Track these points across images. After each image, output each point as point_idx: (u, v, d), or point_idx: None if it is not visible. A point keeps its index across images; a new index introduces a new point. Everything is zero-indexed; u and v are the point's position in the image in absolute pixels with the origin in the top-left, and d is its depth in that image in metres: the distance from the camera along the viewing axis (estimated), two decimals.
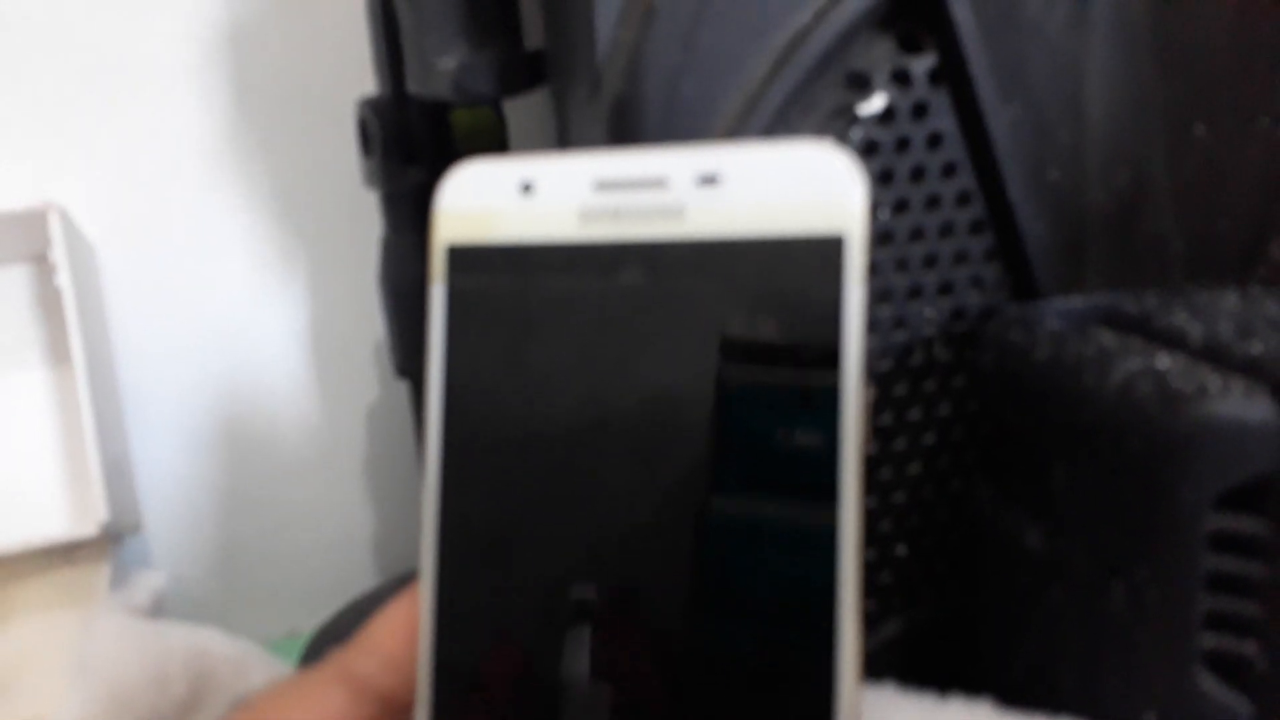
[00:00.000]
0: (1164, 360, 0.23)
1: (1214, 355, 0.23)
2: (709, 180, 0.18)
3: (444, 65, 0.35)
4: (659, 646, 0.18)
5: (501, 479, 0.19)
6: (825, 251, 0.17)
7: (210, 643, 0.34)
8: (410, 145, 0.41)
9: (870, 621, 0.33)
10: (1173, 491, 0.22)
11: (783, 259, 0.17)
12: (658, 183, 0.18)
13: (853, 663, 0.16)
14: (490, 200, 0.19)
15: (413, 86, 0.38)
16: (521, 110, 0.41)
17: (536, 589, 0.18)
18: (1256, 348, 0.22)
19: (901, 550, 0.33)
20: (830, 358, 0.17)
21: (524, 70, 0.35)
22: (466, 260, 0.19)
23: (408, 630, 0.19)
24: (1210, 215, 0.30)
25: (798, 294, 0.17)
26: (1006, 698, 0.26)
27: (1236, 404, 0.21)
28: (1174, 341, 0.24)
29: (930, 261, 0.31)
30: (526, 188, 0.19)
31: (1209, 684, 0.22)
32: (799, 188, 0.17)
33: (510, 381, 0.19)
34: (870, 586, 0.33)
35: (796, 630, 0.17)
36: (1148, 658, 0.23)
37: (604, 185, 0.18)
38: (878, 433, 0.32)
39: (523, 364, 0.19)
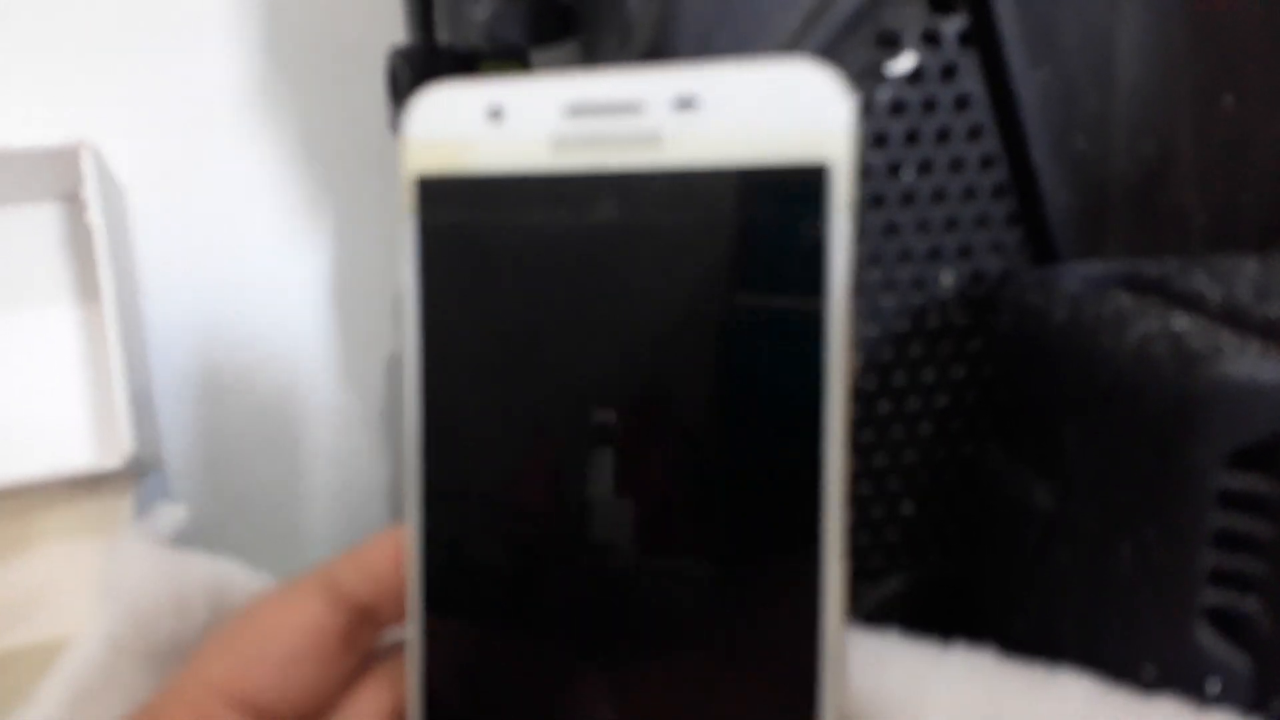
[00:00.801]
0: (1181, 321, 0.23)
1: (1232, 317, 0.23)
2: (686, 104, 0.17)
3: (476, 14, 0.35)
4: (622, 578, 0.17)
5: (478, 421, 0.18)
6: (808, 180, 0.16)
7: (230, 573, 0.35)
8: None
9: (875, 576, 0.34)
10: (1185, 450, 0.22)
11: (764, 189, 0.16)
12: (632, 107, 0.17)
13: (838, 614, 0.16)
14: (459, 127, 0.18)
15: (444, 35, 0.38)
16: (549, 63, 0.41)
17: (511, 537, 0.18)
18: (1274, 310, 0.22)
19: (909, 508, 0.33)
20: (813, 293, 0.16)
21: (555, 20, 0.35)
22: (437, 192, 0.18)
23: (395, 550, 0.20)
24: (1234, 188, 0.30)
25: (779, 226, 0.16)
26: (1008, 651, 0.26)
27: (1251, 364, 0.21)
28: (1192, 304, 0.24)
29: (951, 224, 0.31)
30: (495, 114, 0.18)
31: (1208, 638, 0.22)
32: (781, 111, 0.16)
33: (486, 320, 0.18)
34: (877, 542, 0.34)
35: (778, 578, 0.16)
36: (1150, 612, 0.23)
37: (576, 110, 0.17)
38: (891, 391, 0.32)
39: (498, 302, 0.18)
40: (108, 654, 0.28)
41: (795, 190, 0.16)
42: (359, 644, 0.21)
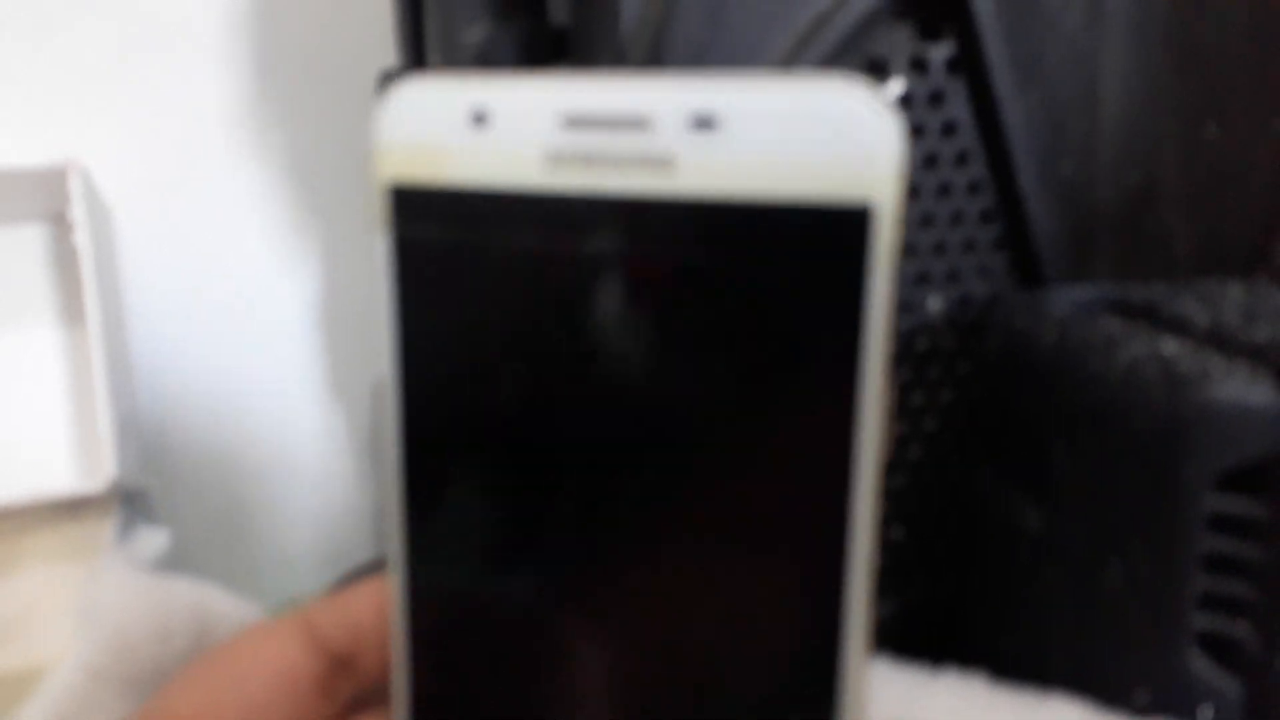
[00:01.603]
0: (1169, 345, 0.23)
1: (1219, 341, 0.23)
2: (704, 123, 0.14)
3: (468, 37, 0.35)
4: (647, 644, 0.16)
5: (460, 454, 0.16)
6: (848, 222, 0.13)
7: (213, 600, 0.34)
8: None
9: None
10: (1175, 472, 0.22)
11: (792, 230, 0.14)
12: (640, 123, 0.14)
13: (861, 640, 0.14)
14: (438, 131, 0.15)
15: (435, 59, 0.38)
16: None
17: (508, 579, 0.16)
18: (1261, 334, 0.22)
19: (898, 532, 0.33)
20: (846, 360, 0.14)
21: (547, 45, 0.35)
22: (412, 203, 0.16)
23: (378, 601, 0.20)
24: (1219, 215, 0.31)
25: (809, 275, 0.14)
26: (998, 675, 0.26)
27: (1239, 387, 0.21)
28: (1180, 328, 0.24)
29: (939, 249, 0.31)
30: (479, 118, 0.15)
31: (1200, 664, 0.22)
32: (817, 137, 0.13)
33: (467, 351, 0.16)
34: None
35: (799, 602, 0.15)
36: (1141, 636, 0.23)
37: (574, 121, 0.15)
38: None
39: (480, 333, 0.16)
40: (87, 681, 0.28)
41: (831, 233, 0.13)
42: (336, 693, 0.20)
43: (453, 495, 0.17)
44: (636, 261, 0.15)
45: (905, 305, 0.32)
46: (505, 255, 0.15)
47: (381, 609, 0.20)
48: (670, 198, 0.14)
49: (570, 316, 0.15)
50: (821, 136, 0.13)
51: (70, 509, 0.39)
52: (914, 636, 0.34)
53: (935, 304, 0.32)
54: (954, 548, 0.32)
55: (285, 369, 0.51)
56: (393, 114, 0.16)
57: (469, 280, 0.16)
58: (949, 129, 0.30)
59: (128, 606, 0.31)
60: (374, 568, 0.50)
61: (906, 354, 0.32)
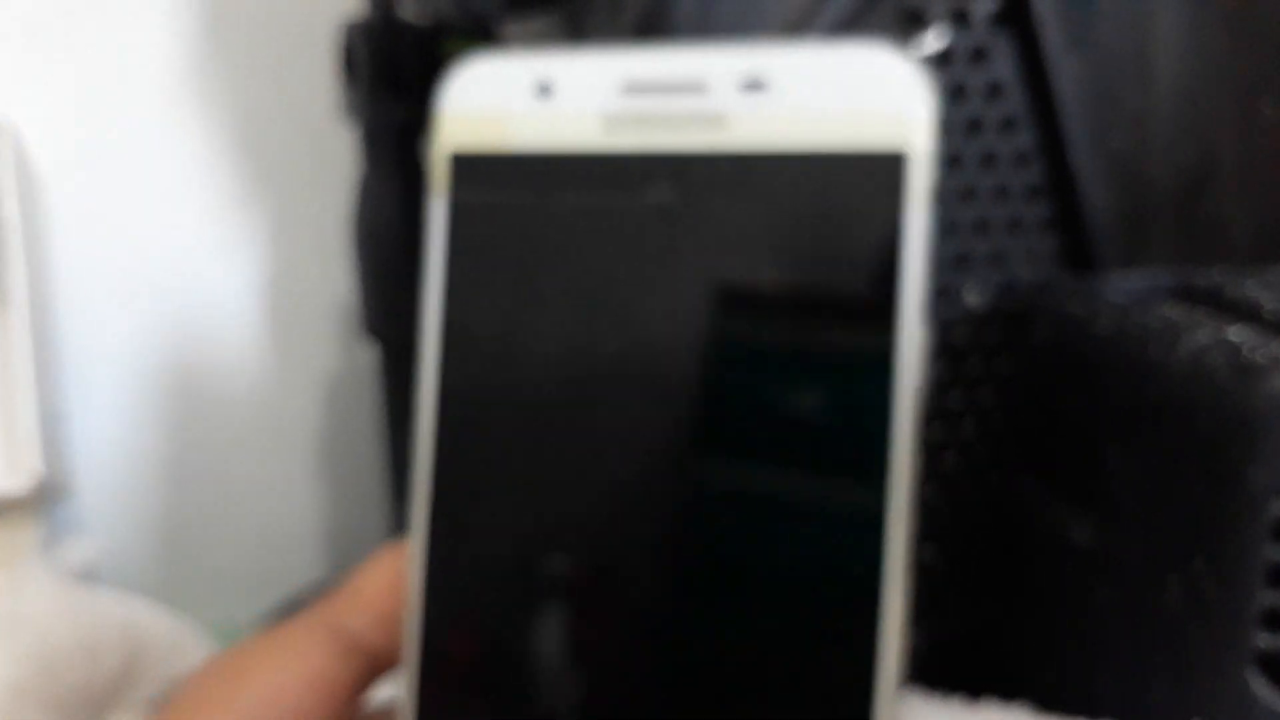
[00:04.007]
0: (1238, 331, 0.24)
1: None
2: (754, 85, 0.17)
3: None
4: (652, 628, 0.18)
5: (505, 428, 0.19)
6: (884, 169, 0.16)
7: (145, 617, 0.35)
8: (399, 75, 0.42)
9: None
10: (1241, 473, 0.22)
11: (836, 176, 0.17)
12: (695, 87, 0.18)
13: (893, 671, 0.16)
14: (502, 101, 0.19)
15: (409, 7, 0.39)
16: (523, 38, 0.42)
17: (533, 557, 0.18)
18: None
19: (930, 553, 0.33)
20: (884, 296, 0.16)
21: None
22: (473, 170, 0.19)
23: (397, 587, 0.20)
24: (1277, 199, 0.31)
25: (851, 217, 0.17)
26: (1040, 708, 0.26)
27: None
28: (1248, 313, 0.25)
29: (981, 227, 0.32)
30: (544, 88, 0.18)
31: (1261, 687, 0.23)
32: (857, 96, 0.17)
33: (520, 315, 0.19)
34: None
35: (828, 628, 0.16)
36: (1200, 659, 0.23)
37: (633, 87, 0.18)
38: None
39: (535, 295, 0.19)
40: (11, 700, 0.28)
41: (869, 178, 0.16)
42: (358, 697, 0.21)
43: (489, 470, 0.19)
44: (688, 212, 0.18)
45: (942, 291, 0.32)
46: (566, 212, 0.18)
47: (398, 591, 0.20)
48: (725, 151, 0.17)
49: (625, 269, 0.18)
50: (860, 95, 0.17)
51: None
52: (950, 667, 0.34)
53: (973, 296, 0.32)
54: (994, 568, 0.32)
55: (229, 359, 0.51)
56: (457, 88, 0.19)
57: (529, 239, 0.19)
58: (994, 91, 0.31)
59: (53, 620, 0.32)
60: (319, 593, 0.50)
61: (943, 348, 0.32)
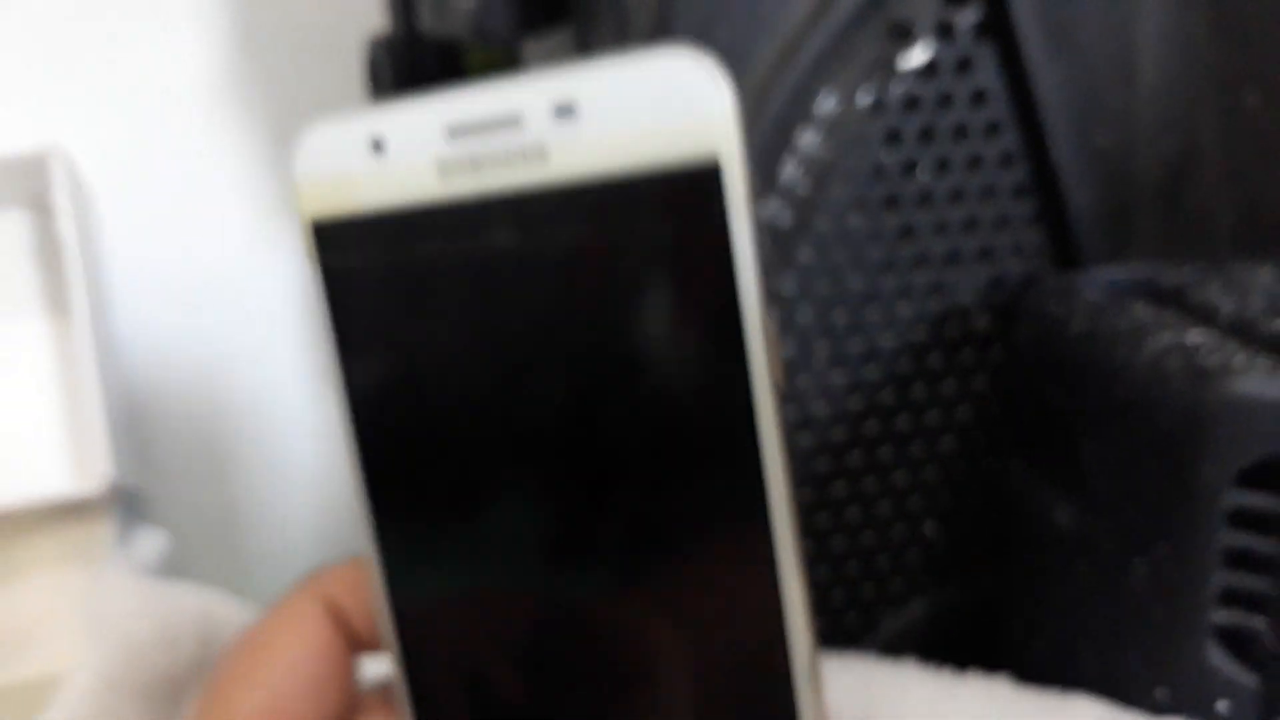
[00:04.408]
0: (1195, 335, 0.26)
1: (1242, 331, 0.25)
2: (565, 111, 0.18)
3: (461, 3, 0.38)
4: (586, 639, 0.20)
5: (419, 466, 0.21)
6: (700, 175, 0.17)
7: (216, 604, 0.38)
8: (422, 86, 0.44)
9: (897, 602, 0.37)
10: (1196, 467, 0.25)
11: (657, 190, 0.17)
12: (512, 121, 0.18)
13: (807, 655, 0.18)
14: (344, 163, 0.19)
15: (428, 24, 0.41)
16: (542, 52, 0.44)
17: (475, 570, 0.21)
18: None
19: (931, 529, 0.36)
20: (724, 288, 0.17)
21: (545, 8, 0.38)
22: (332, 234, 0.20)
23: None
24: (1260, 187, 0.33)
25: (679, 227, 0.17)
26: (1028, 678, 0.29)
27: (1260, 381, 0.23)
28: (1207, 316, 0.27)
29: (970, 225, 0.34)
30: (377, 145, 0.19)
31: (1219, 658, 0.25)
32: (661, 107, 0.17)
33: (402, 360, 0.20)
34: (898, 566, 0.36)
35: (736, 623, 0.19)
36: (1163, 634, 0.26)
37: (457, 131, 0.19)
38: (910, 405, 0.35)
39: (409, 342, 0.20)
40: (103, 690, 0.32)
41: (688, 187, 0.17)
42: (352, 669, 0.24)
43: (412, 496, 0.21)
44: (531, 247, 0.19)
45: (935, 287, 0.34)
46: (419, 264, 0.19)
47: None
48: (551, 182, 0.18)
49: (485, 310, 0.19)
50: (665, 106, 0.17)
51: (67, 512, 0.43)
52: (949, 638, 0.37)
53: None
54: (988, 545, 0.35)
55: (277, 354, 0.54)
56: (302, 155, 0.20)
57: (392, 294, 0.20)
58: (978, 98, 0.33)
59: (135, 614, 0.35)
60: None
61: (937, 340, 0.35)
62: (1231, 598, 0.25)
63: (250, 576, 0.54)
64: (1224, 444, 0.24)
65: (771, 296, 0.19)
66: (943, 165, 0.33)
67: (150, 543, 0.43)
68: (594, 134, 0.18)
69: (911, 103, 0.33)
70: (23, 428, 0.47)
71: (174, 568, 0.47)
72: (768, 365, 0.18)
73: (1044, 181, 0.34)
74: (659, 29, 0.33)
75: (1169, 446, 0.25)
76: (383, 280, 0.20)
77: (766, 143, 0.32)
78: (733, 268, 0.17)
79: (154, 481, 0.52)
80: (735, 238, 0.17)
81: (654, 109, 0.17)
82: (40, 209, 0.47)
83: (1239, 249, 0.33)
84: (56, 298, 0.48)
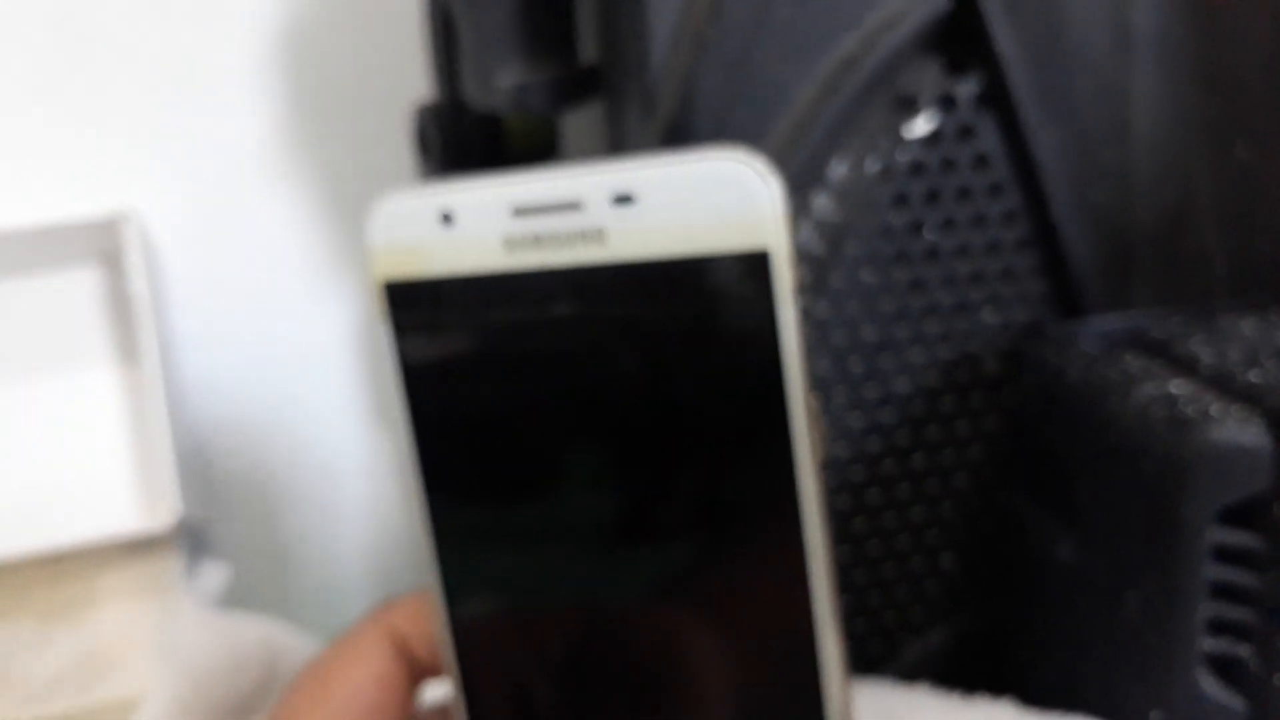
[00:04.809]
0: (1177, 386, 0.28)
1: (1220, 382, 0.28)
2: (623, 199, 0.19)
3: (502, 82, 0.41)
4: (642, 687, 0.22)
5: (481, 514, 0.23)
6: (750, 265, 0.19)
7: (278, 633, 0.41)
8: (466, 152, 0.47)
9: (917, 630, 0.39)
10: (1179, 508, 0.27)
11: (708, 276, 0.19)
12: (574, 205, 0.20)
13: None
14: (416, 232, 0.21)
15: (470, 96, 0.44)
16: (579, 120, 0.47)
17: (528, 625, 0.23)
18: (1256, 376, 0.27)
19: (948, 560, 0.38)
20: (770, 377, 0.19)
21: (580, 85, 0.41)
22: (404, 296, 0.22)
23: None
24: (1251, 234, 0.35)
25: (728, 312, 0.19)
26: (1035, 702, 0.31)
27: (1233, 430, 0.26)
28: (1188, 367, 0.29)
29: (977, 278, 0.36)
30: (447, 218, 0.21)
31: (1210, 684, 0.27)
32: (716, 202, 0.19)
33: (465, 412, 0.22)
34: (916, 596, 0.38)
35: (779, 674, 0.21)
36: (1157, 661, 0.28)
37: (522, 210, 0.21)
38: (925, 445, 0.37)
39: (472, 395, 0.22)
40: (175, 713, 0.35)
41: (739, 275, 0.19)
42: (412, 697, 0.27)
43: (472, 534, 0.24)
44: (586, 318, 0.20)
45: (945, 335, 0.37)
46: (483, 328, 0.22)
47: None
48: (608, 262, 0.20)
49: (541, 371, 0.21)
50: (717, 199, 0.19)
51: (137, 547, 0.46)
52: (968, 666, 0.39)
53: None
54: (1000, 576, 0.37)
55: (329, 398, 0.58)
56: (378, 224, 0.22)
57: (455, 351, 0.22)
58: (980, 162, 0.35)
59: (203, 643, 0.38)
60: None
61: (950, 384, 0.37)
62: (1219, 627, 0.27)
63: (303, 608, 0.58)
64: (1203, 486, 0.26)
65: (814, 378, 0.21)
66: (949, 224, 0.36)
67: (214, 575, 0.46)
68: (651, 221, 0.19)
69: (917, 168, 0.35)
70: (97, 470, 0.50)
71: (233, 599, 0.50)
72: (809, 441, 0.19)
73: (1045, 236, 0.36)
74: (683, 107, 0.35)
75: (1155, 488, 0.28)
76: (446, 339, 0.22)
77: None
78: (778, 350, 0.19)
79: (215, 518, 0.55)
80: (781, 323, 0.19)
81: (708, 203, 0.19)
82: (113, 266, 0.51)
83: (1234, 294, 0.35)
84: (128, 348, 0.51)
